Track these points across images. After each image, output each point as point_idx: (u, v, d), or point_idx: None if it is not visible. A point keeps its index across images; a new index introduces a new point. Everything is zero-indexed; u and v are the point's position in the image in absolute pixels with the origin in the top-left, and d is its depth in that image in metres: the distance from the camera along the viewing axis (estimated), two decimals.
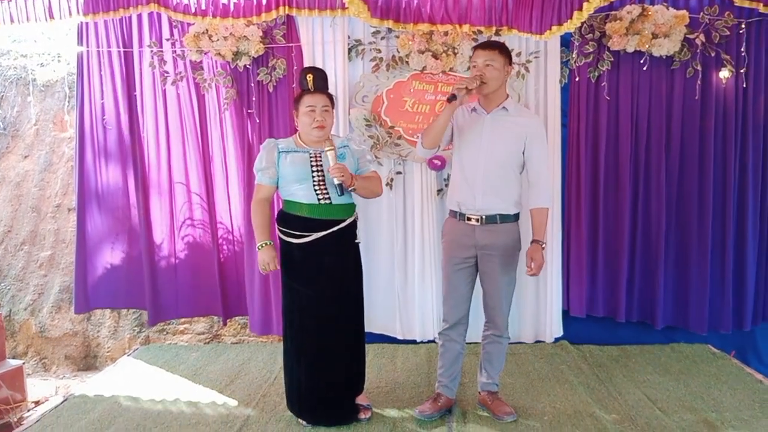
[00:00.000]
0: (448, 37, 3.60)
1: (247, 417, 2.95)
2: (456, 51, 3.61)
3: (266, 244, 2.76)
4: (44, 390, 3.89)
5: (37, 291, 4.41)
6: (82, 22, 3.73)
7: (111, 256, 3.95)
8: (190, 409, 3.08)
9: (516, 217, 2.81)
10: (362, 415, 2.86)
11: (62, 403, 3.18)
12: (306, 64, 3.67)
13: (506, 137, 2.74)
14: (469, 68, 3.64)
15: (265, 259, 2.76)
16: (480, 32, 3.60)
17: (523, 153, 2.75)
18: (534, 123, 2.83)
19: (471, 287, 2.87)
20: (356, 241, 2.82)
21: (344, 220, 2.73)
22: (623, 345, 3.83)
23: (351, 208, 2.79)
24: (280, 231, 2.76)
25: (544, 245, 2.77)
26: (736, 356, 3.73)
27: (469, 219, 2.77)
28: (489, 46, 2.76)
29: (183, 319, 4.27)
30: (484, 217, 2.74)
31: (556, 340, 3.85)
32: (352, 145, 2.83)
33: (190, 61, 3.76)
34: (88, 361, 4.39)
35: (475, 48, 2.80)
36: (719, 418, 2.84)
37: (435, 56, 3.63)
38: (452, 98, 2.62)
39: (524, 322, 3.90)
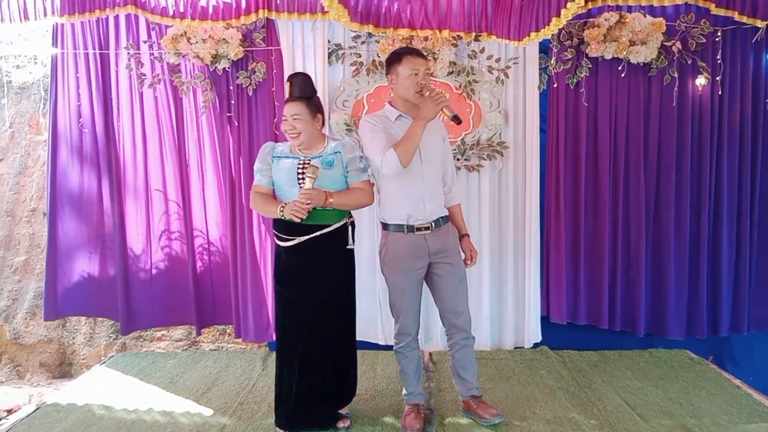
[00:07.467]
0: (428, 42, 3.59)
1: (223, 426, 2.90)
2: (436, 56, 3.61)
3: (281, 205, 2.66)
4: (18, 398, 3.80)
5: (11, 297, 4.32)
6: (57, 24, 3.68)
7: (83, 262, 3.87)
8: (164, 418, 3.02)
9: (448, 217, 2.87)
10: (341, 424, 2.82)
11: (34, 411, 3.11)
12: (286, 68, 3.65)
13: (435, 140, 2.79)
14: (450, 73, 3.69)
15: (289, 205, 2.61)
16: (459, 37, 3.60)
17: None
18: (442, 124, 2.90)
19: (421, 296, 2.87)
20: (348, 246, 2.76)
21: (330, 225, 2.69)
22: (603, 350, 3.84)
23: (340, 213, 2.72)
24: (274, 234, 2.77)
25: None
26: (713, 361, 3.76)
27: (419, 229, 2.74)
28: (423, 54, 2.79)
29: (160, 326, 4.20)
30: (432, 223, 2.75)
31: (535, 345, 3.85)
32: (344, 152, 2.73)
33: (168, 63, 3.72)
34: (63, 369, 4.30)
35: (409, 55, 2.67)
36: (697, 424, 2.84)
37: None
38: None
39: (504, 329, 3.89)
